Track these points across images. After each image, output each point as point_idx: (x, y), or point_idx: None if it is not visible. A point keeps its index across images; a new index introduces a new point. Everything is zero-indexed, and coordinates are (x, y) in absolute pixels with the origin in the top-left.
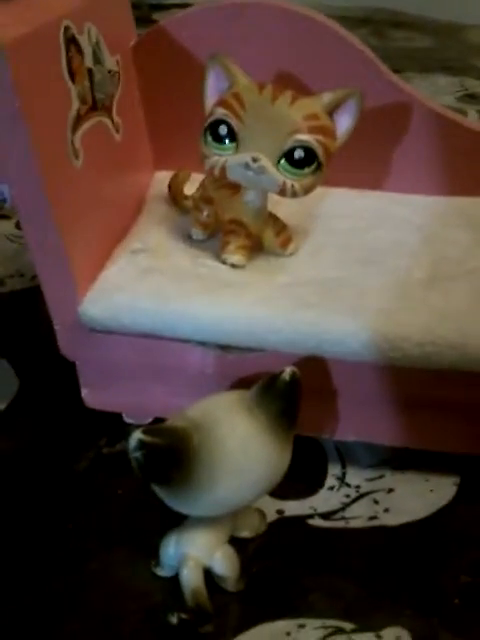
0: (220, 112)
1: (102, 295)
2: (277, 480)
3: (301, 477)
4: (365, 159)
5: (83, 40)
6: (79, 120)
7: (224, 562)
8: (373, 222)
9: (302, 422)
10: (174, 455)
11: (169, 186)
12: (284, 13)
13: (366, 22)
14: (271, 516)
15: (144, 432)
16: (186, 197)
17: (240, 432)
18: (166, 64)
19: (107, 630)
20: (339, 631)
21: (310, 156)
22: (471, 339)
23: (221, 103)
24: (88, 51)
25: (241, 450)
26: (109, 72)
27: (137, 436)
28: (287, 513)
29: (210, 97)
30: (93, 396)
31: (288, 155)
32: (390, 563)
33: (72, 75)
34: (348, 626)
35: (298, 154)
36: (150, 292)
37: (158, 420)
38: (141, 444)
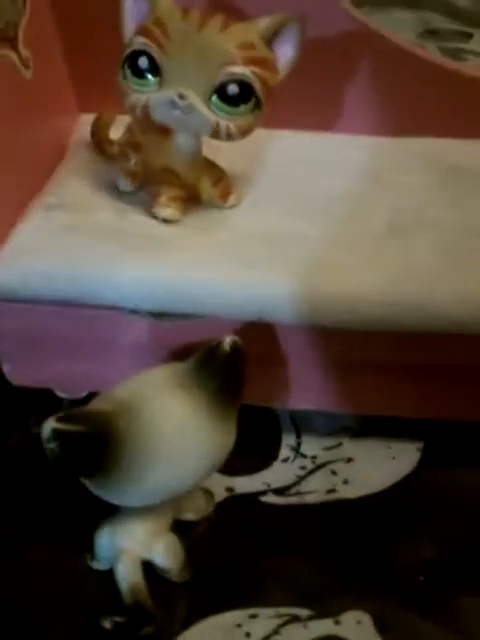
0: (139, 42)
1: (11, 259)
2: (220, 462)
3: (253, 450)
4: (313, 97)
5: None
6: None
7: (166, 554)
8: (323, 168)
9: (250, 392)
10: (95, 443)
11: (91, 130)
12: None
13: None
14: (220, 495)
15: (59, 419)
16: (111, 143)
17: (174, 412)
18: None
19: (35, 632)
20: (294, 619)
21: (246, 91)
22: (435, 297)
23: (140, 32)
24: None
25: (176, 433)
26: None
27: (51, 425)
28: (237, 490)
29: (129, 24)
30: (17, 372)
31: (220, 91)
32: (350, 540)
33: None
34: (304, 613)
35: (232, 89)
36: (67, 254)
37: (93, 394)
38: (55, 433)
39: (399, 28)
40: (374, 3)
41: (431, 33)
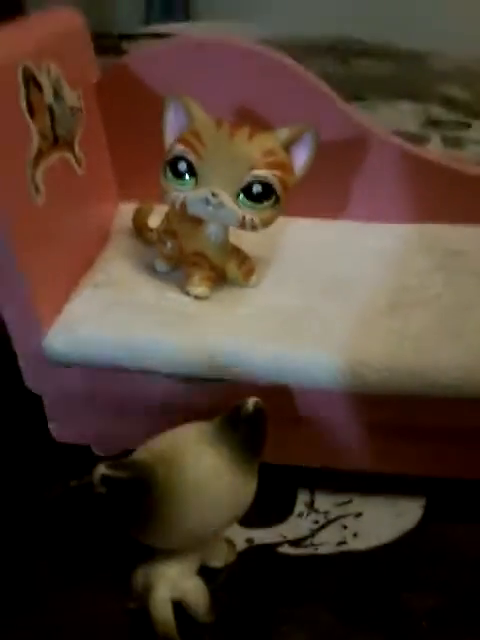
0: (179, 149)
1: (66, 329)
2: (243, 510)
3: (270, 505)
4: (326, 190)
5: (43, 78)
6: (40, 156)
7: (193, 594)
8: (335, 251)
9: (269, 450)
10: (139, 488)
11: (133, 219)
12: (241, 51)
13: (331, 50)
14: (240, 545)
15: (108, 466)
16: (150, 230)
17: (204, 464)
18: (129, 99)
19: None
20: None
21: (268, 190)
22: (429, 365)
23: (180, 140)
24: (48, 88)
25: (205, 482)
26: (70, 108)
27: (100, 471)
28: (256, 541)
29: (170, 134)
30: (61, 429)
31: (246, 190)
32: (360, 588)
33: (32, 113)
34: None
35: (256, 189)
36: (113, 325)
37: (127, 451)
38: (105, 479)
39: (404, 118)
40: (381, 96)
41: (433, 123)
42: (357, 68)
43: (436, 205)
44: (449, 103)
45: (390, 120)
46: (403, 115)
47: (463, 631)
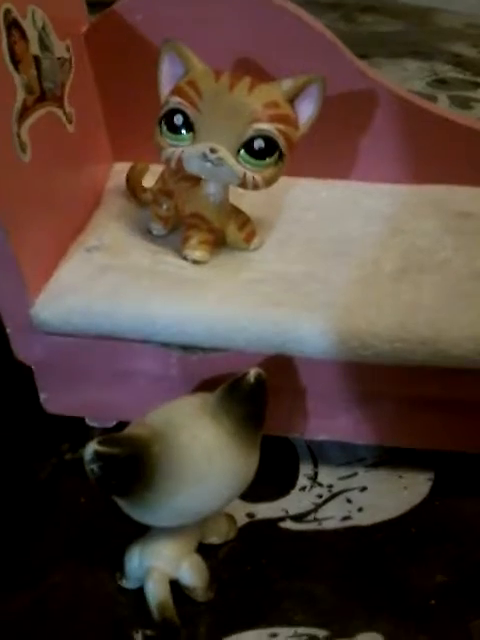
0: (175, 101)
1: (55, 297)
2: (244, 486)
3: (272, 478)
4: (331, 148)
5: (27, 25)
6: (25, 111)
7: (191, 573)
8: (341, 213)
9: (271, 422)
10: (133, 465)
11: (127, 179)
12: None
13: (335, 7)
14: (241, 520)
15: (100, 442)
16: (145, 190)
17: (203, 439)
18: (121, 50)
19: None
20: (312, 639)
21: (271, 146)
22: (443, 334)
23: (176, 91)
24: (33, 37)
25: (205, 457)
26: (59, 59)
27: (93, 447)
28: (258, 516)
29: (165, 85)
30: (53, 401)
31: (248, 145)
32: (364, 565)
33: (16, 63)
34: (322, 633)
35: (258, 144)
36: (105, 292)
37: (122, 423)
38: (97, 455)
39: (410, 77)
40: (387, 54)
41: (441, 82)
42: (362, 25)
43: (445, 165)
44: (457, 62)
45: (395, 79)
46: (409, 74)
47: (472, 609)
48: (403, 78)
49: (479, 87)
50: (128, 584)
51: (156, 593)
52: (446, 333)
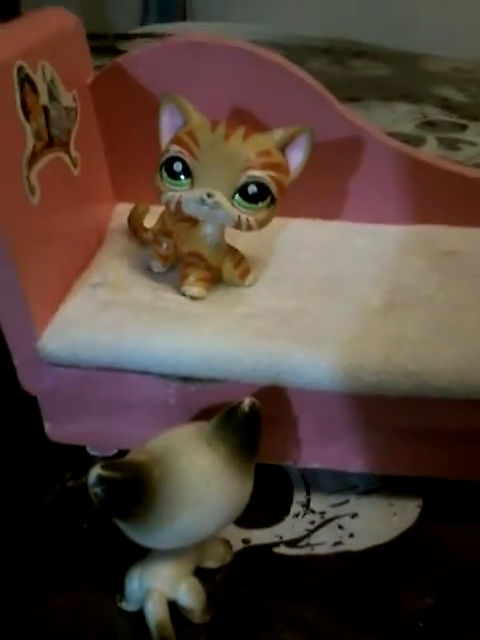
0: (174, 149)
1: (60, 330)
2: (239, 511)
3: (267, 505)
4: (322, 191)
5: (37, 78)
6: (34, 157)
7: (189, 594)
8: (331, 252)
9: (265, 451)
10: (134, 489)
11: (129, 219)
12: (236, 51)
13: (328, 51)
14: (237, 545)
15: (103, 467)
16: (146, 230)
17: (201, 464)
18: (124, 99)
19: None
20: None
21: (263, 191)
22: (426, 367)
23: (175, 140)
24: (43, 89)
25: (202, 482)
26: (65, 108)
27: (96, 471)
28: (253, 542)
29: (165, 134)
30: (56, 430)
31: (242, 190)
32: (355, 588)
33: (27, 114)
34: None
35: (251, 189)
36: (109, 326)
37: (123, 452)
38: (100, 479)
39: (400, 120)
40: (378, 97)
41: (429, 124)
42: (353, 69)
43: (431, 207)
44: (445, 105)
45: (386, 121)
46: (399, 116)
47: (459, 631)
48: (394, 120)
49: (466, 129)
50: (128, 606)
51: (155, 613)
52: (429, 365)
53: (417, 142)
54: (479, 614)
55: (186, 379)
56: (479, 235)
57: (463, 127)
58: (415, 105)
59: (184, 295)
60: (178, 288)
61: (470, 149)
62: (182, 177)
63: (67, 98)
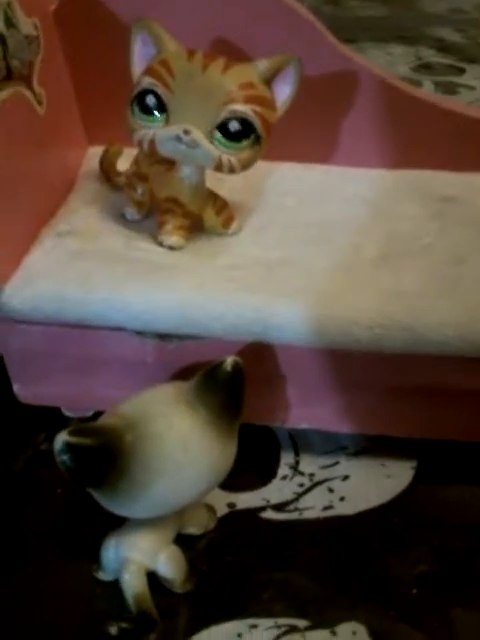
0: (147, 81)
1: (24, 283)
2: (221, 477)
3: (253, 467)
4: (312, 131)
5: None
6: None
7: (169, 564)
8: (321, 198)
9: (251, 411)
10: (105, 456)
11: (100, 162)
12: None
13: None
14: (221, 510)
15: (70, 433)
16: (119, 174)
17: (178, 428)
18: (92, 27)
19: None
20: (293, 630)
21: (247, 128)
22: (423, 321)
23: (148, 71)
24: None
25: (180, 448)
26: (26, 37)
27: (63, 437)
28: (238, 506)
29: (137, 65)
30: (26, 391)
31: (223, 127)
32: (346, 555)
33: None
34: (302, 624)
35: (233, 126)
36: (77, 279)
37: (100, 413)
38: (67, 446)
39: (395, 62)
40: (371, 38)
41: (425, 67)
42: (347, 9)
43: (428, 150)
44: (441, 46)
45: (380, 63)
46: (394, 58)
47: (454, 597)
48: (388, 63)
49: (464, 72)
50: (104, 576)
51: (133, 585)
52: (425, 319)
53: (412, 85)
54: (473, 580)
55: (163, 336)
56: (478, 181)
57: (461, 70)
58: (410, 47)
59: (161, 245)
60: (154, 237)
61: (468, 93)
62: (156, 112)
63: (27, 25)
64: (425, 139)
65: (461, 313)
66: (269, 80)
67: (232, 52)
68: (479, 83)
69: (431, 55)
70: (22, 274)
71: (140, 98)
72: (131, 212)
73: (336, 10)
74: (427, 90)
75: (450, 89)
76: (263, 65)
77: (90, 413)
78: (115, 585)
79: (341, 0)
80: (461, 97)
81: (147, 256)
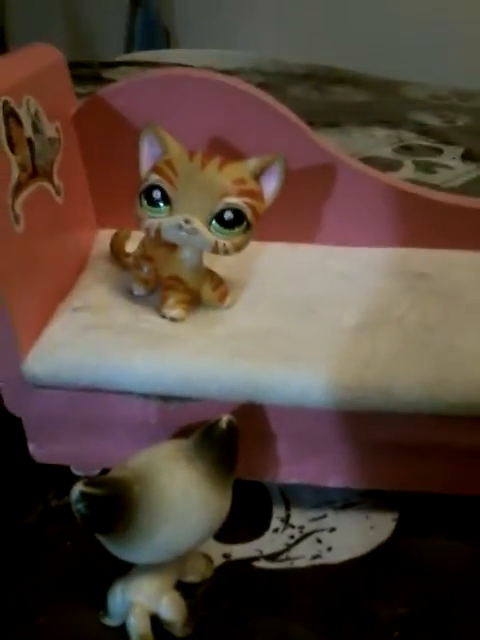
0: (154, 178)
1: (44, 352)
2: (218, 525)
3: (247, 521)
4: (296, 216)
5: (22, 112)
6: (19, 187)
7: (171, 607)
8: (307, 274)
9: (244, 467)
10: (115, 505)
11: (111, 245)
12: (211, 84)
13: (308, 78)
14: (218, 560)
15: (85, 484)
16: (127, 255)
17: (180, 480)
18: (105, 129)
19: None
20: None
21: (239, 217)
22: (395, 382)
23: (154, 170)
24: (27, 122)
25: (181, 498)
26: (49, 139)
27: (78, 488)
28: (233, 556)
29: (145, 164)
30: (40, 450)
31: (219, 217)
32: (334, 600)
33: (12, 146)
34: None
35: (228, 216)
36: (91, 348)
37: (106, 471)
38: (82, 495)
39: (378, 144)
40: (355, 123)
41: (406, 148)
42: (332, 95)
43: (404, 230)
44: (422, 130)
45: (364, 145)
46: (377, 140)
47: (432, 638)
48: (372, 145)
49: (441, 153)
50: (111, 621)
51: (138, 627)
52: (398, 380)
53: (394, 165)
54: (450, 623)
55: (166, 398)
56: (449, 257)
57: (439, 151)
58: (393, 130)
59: (164, 317)
60: (158, 310)
61: (446, 171)
62: (161, 204)
63: (50, 129)
64: (399, 220)
65: (431, 375)
66: (258, 175)
67: (225, 149)
68: (456, 163)
69: (412, 138)
70: (42, 344)
71: (148, 192)
72: (138, 289)
73: (322, 96)
74: (408, 169)
75: (428, 168)
76: (253, 163)
77: (97, 471)
78: (121, 630)
79: (327, 87)
80: (439, 176)
81: (152, 327)
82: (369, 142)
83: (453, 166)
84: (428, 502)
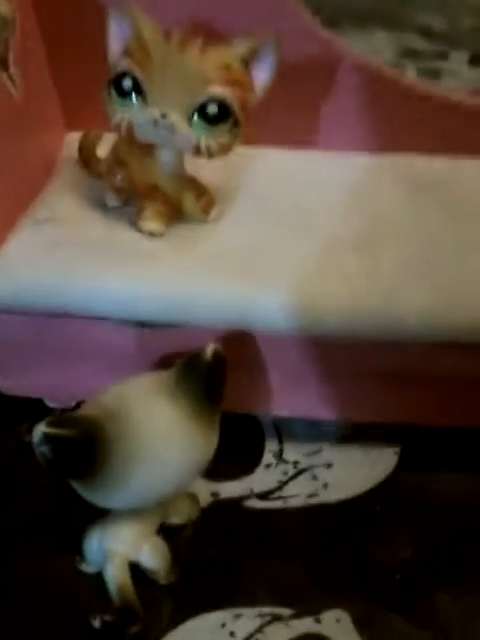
0: (123, 64)
1: (2, 272)
2: (203, 466)
3: (237, 456)
4: (289, 115)
5: None
6: None
7: (152, 555)
8: (302, 183)
9: (232, 399)
10: (84, 447)
11: (79, 148)
12: None
13: None
14: (205, 499)
15: (49, 424)
16: (99, 160)
17: (159, 418)
18: (72, 10)
19: (26, 632)
20: (276, 619)
21: (225, 111)
22: (398, 307)
23: (124, 53)
24: None
25: (161, 437)
26: (1, 18)
27: (41, 429)
28: (222, 495)
29: (113, 48)
30: (9, 381)
31: (201, 110)
32: (330, 542)
33: None
34: (286, 612)
35: (212, 109)
36: (58, 267)
37: (81, 403)
38: (46, 437)
39: (378, 48)
40: (353, 24)
41: (409, 53)
42: None
43: (408, 134)
44: (426, 32)
45: (363, 49)
46: (377, 44)
47: (438, 583)
48: (371, 48)
49: (447, 58)
50: (88, 568)
51: (116, 577)
52: (399, 306)
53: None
54: (456, 566)
55: (143, 324)
56: (462, 166)
57: (445, 56)
58: (394, 32)
59: (141, 231)
60: (135, 224)
61: (452, 79)
62: (132, 95)
63: (3, 6)
64: (405, 124)
65: (434, 299)
66: (247, 62)
67: (209, 32)
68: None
69: (415, 41)
70: (0, 263)
71: (117, 81)
72: (111, 198)
73: None
74: (411, 76)
75: (434, 74)
76: (241, 46)
77: (73, 403)
78: (98, 577)
79: None
80: (445, 82)
81: (127, 243)
82: (369, 46)
83: (460, 72)
84: (432, 435)
